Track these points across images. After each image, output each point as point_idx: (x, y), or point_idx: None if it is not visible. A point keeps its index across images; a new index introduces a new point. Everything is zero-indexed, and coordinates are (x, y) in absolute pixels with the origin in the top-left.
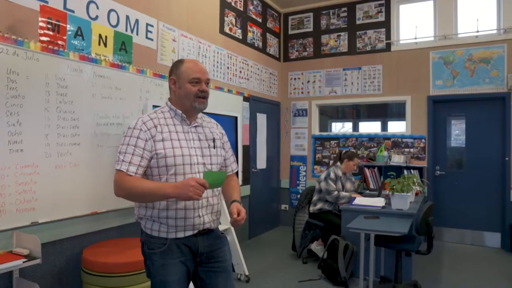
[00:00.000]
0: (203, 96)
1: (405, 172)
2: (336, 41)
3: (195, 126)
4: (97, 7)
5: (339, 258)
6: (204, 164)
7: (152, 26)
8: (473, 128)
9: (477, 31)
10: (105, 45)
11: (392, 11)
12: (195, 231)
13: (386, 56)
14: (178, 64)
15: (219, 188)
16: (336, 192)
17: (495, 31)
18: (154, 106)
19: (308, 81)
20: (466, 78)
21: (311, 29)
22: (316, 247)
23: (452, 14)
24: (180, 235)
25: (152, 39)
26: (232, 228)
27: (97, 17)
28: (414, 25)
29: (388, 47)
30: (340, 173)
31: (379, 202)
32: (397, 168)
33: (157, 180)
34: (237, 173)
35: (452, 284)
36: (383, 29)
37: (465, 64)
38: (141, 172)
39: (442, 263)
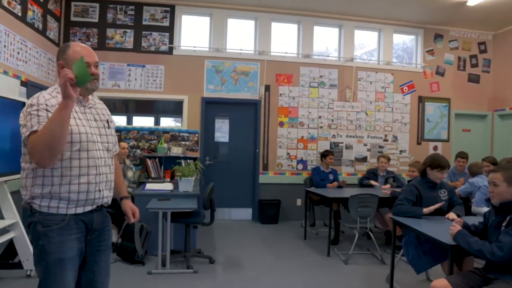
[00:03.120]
0: (94, 78)
1: (183, 161)
2: (122, 36)
3: (89, 107)
4: None
5: (135, 239)
6: (101, 143)
7: None
8: (235, 126)
9: (241, 49)
10: None
11: (176, 19)
12: (94, 206)
13: (168, 58)
14: (64, 48)
15: (113, 165)
16: None
17: (252, 52)
18: None
19: None
20: (232, 86)
21: (96, 20)
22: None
23: (223, 31)
24: (80, 210)
25: None
26: (20, 223)
27: None
28: (193, 35)
29: (170, 50)
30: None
31: (168, 186)
32: (176, 158)
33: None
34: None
35: (224, 247)
36: (167, 34)
37: (231, 74)
38: None
39: (213, 234)
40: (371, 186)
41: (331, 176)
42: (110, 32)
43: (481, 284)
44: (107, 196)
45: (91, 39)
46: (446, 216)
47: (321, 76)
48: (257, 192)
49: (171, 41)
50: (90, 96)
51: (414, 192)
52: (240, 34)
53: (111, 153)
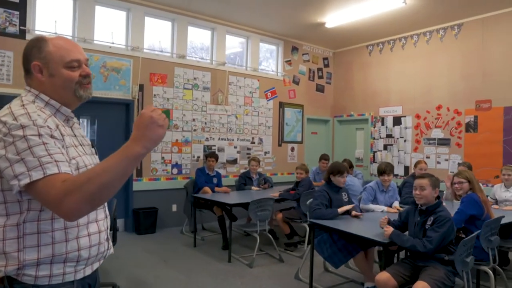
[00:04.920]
0: (87, 82)
1: None
2: None
3: (71, 126)
4: None
5: None
6: None
7: None
8: (104, 128)
9: (112, 43)
10: None
11: None
12: (101, 261)
13: (19, 43)
14: (39, 43)
15: None
16: None
17: (124, 46)
18: None
19: None
20: (101, 83)
21: None
22: None
23: (91, 20)
24: (88, 271)
25: None
26: None
27: None
28: (53, 18)
29: (22, 34)
30: None
31: None
32: None
33: (35, 208)
34: None
35: (118, 267)
36: (17, 12)
37: (100, 69)
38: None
39: None
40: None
41: (215, 180)
42: None
43: (412, 271)
44: (111, 245)
45: None
46: (353, 214)
47: (195, 78)
48: (131, 200)
49: (23, 22)
50: None
51: (326, 196)
52: (111, 26)
53: None
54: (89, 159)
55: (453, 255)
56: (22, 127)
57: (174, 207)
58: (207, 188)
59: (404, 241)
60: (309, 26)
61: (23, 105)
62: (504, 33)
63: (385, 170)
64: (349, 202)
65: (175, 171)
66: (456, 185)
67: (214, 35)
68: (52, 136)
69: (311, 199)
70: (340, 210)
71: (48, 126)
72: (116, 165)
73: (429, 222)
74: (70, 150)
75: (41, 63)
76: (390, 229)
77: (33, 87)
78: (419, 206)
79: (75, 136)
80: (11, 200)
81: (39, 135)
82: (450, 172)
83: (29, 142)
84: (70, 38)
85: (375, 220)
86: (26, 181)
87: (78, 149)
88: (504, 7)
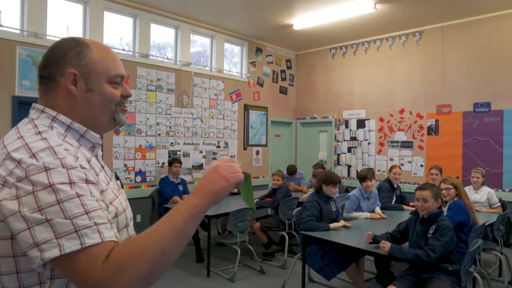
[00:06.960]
0: (126, 103)
1: None
2: None
3: (96, 155)
4: None
5: None
6: (131, 219)
7: None
8: None
9: None
10: None
11: None
12: None
13: None
14: (79, 47)
15: None
16: None
17: None
18: None
19: None
20: None
21: None
22: None
23: (42, 12)
24: None
25: None
26: None
27: None
28: None
29: None
30: None
31: None
32: None
33: (61, 275)
34: None
35: None
36: None
37: None
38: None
39: None
40: None
41: (180, 187)
42: None
43: (418, 283)
44: None
45: None
46: (343, 224)
47: (158, 79)
48: None
49: None
50: None
51: (317, 207)
52: (66, 20)
53: None
54: (123, 199)
55: (456, 265)
56: (46, 169)
57: (139, 218)
58: (177, 198)
59: (406, 253)
60: (276, 27)
61: (39, 132)
62: (462, 41)
63: (366, 176)
64: (337, 211)
65: (138, 179)
66: (443, 192)
67: (178, 33)
68: (87, 181)
69: (299, 208)
70: (332, 226)
71: (81, 166)
72: (172, 223)
73: (431, 231)
74: (107, 193)
75: (79, 72)
76: (387, 245)
77: (54, 104)
78: (420, 215)
79: (103, 168)
80: (26, 268)
81: (71, 183)
82: (414, 174)
83: (58, 194)
84: (18, 32)
85: (364, 228)
86: (53, 253)
87: (111, 186)
88: (462, 17)
